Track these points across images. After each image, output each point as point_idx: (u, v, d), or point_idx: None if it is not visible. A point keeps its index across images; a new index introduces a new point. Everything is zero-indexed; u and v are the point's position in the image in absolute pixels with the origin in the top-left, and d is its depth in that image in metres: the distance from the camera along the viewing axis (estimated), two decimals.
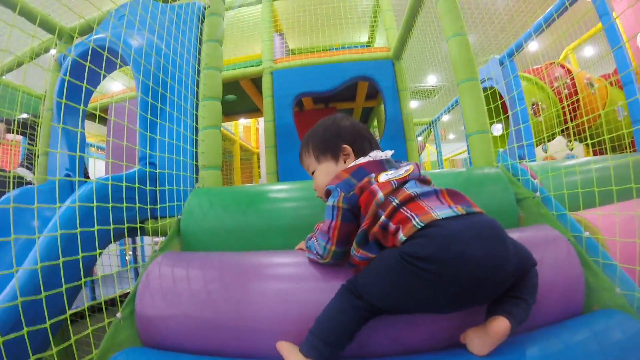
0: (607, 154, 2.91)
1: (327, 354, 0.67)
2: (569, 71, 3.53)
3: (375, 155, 0.91)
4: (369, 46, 3.24)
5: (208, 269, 0.89)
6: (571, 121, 3.30)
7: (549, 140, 3.79)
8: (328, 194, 0.85)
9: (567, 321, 0.81)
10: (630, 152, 2.25)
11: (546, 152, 6.27)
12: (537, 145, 3.45)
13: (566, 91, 3.41)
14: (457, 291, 0.62)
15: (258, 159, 5.37)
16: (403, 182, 0.79)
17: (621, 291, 0.86)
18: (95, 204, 1.03)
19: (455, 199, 0.74)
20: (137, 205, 1.22)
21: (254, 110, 3.79)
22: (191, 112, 1.53)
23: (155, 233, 1.35)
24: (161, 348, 0.83)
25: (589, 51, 5.85)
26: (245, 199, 1.19)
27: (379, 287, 0.67)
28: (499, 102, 1.99)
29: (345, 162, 0.94)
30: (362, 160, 0.90)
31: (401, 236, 0.67)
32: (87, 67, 1.05)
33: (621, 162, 1.39)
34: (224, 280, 0.85)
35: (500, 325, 0.65)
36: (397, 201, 0.73)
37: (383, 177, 0.81)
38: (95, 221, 1.01)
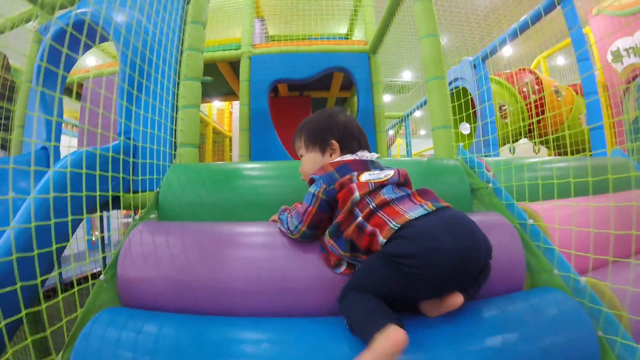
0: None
1: (378, 319, 0.68)
2: (538, 78, 3.73)
3: (362, 155, 0.99)
4: (348, 38, 3.32)
5: (186, 236, 0.96)
6: (537, 126, 3.51)
7: (514, 142, 4.01)
8: (312, 181, 0.93)
9: (509, 294, 0.93)
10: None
11: (513, 154, 6.58)
12: (502, 145, 3.65)
13: (534, 96, 3.61)
14: (437, 280, 0.71)
15: (230, 142, 5.37)
16: (381, 185, 0.87)
17: (559, 272, 0.98)
18: (84, 170, 1.07)
19: (426, 197, 0.85)
20: (121, 175, 1.27)
21: (229, 94, 3.81)
22: (172, 90, 1.57)
23: (129, 206, 1.40)
24: (140, 308, 0.89)
25: (560, 60, 6.16)
26: (222, 176, 1.26)
27: (370, 288, 0.74)
28: (469, 97, 2.12)
29: (331, 156, 1.01)
30: (349, 157, 0.97)
31: (381, 239, 0.75)
32: (67, 37, 1.08)
33: (563, 163, 1.54)
34: (201, 246, 0.92)
35: (457, 299, 0.75)
36: (374, 204, 0.81)
37: (365, 177, 0.89)
38: (67, 193, 1.05)
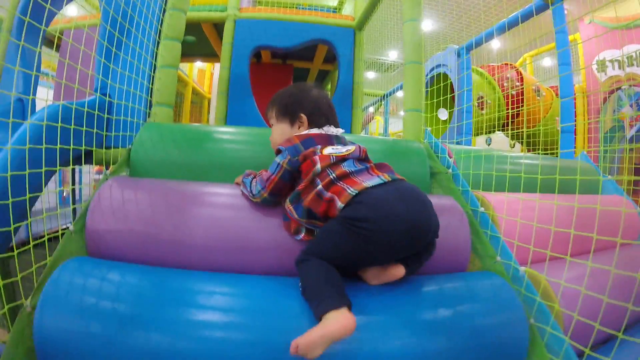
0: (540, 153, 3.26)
1: (331, 297, 0.73)
2: (520, 74, 3.82)
3: (328, 129, 1.04)
4: (336, 11, 3.29)
5: (154, 192, 1.01)
6: (512, 121, 3.62)
7: (487, 134, 4.13)
8: (278, 152, 0.99)
9: (451, 273, 1.02)
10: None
11: (488, 145, 6.77)
12: (477, 135, 3.76)
13: (513, 91, 3.71)
14: (387, 244, 0.79)
15: (209, 104, 5.31)
16: (342, 159, 0.93)
17: (501, 260, 1.07)
18: (59, 123, 1.08)
19: (383, 170, 0.92)
20: (95, 130, 1.28)
21: (211, 55, 3.74)
22: (152, 49, 1.57)
23: (102, 161, 1.42)
24: (106, 259, 0.94)
25: (547, 62, 6.28)
26: (194, 137, 1.30)
27: (326, 250, 0.81)
28: (449, 83, 2.18)
29: (299, 128, 1.06)
30: (315, 131, 1.03)
31: (339, 204, 0.81)
32: None
33: (523, 160, 1.64)
34: (168, 202, 0.98)
35: (399, 270, 0.83)
36: (334, 175, 0.87)
37: (327, 150, 0.95)
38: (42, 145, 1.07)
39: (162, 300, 0.78)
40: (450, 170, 1.30)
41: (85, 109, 1.25)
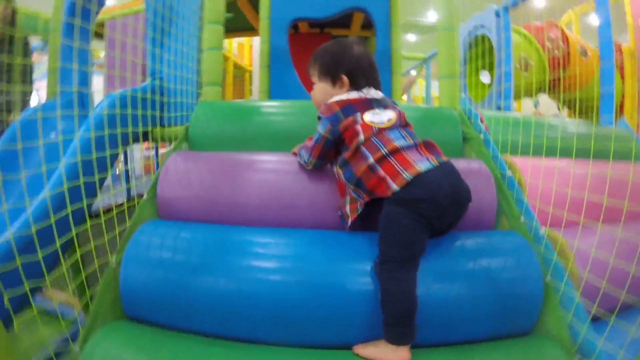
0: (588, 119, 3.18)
1: (411, 332, 0.85)
2: (565, 34, 3.67)
3: (367, 92, 1.09)
4: None
5: (212, 162, 1.20)
6: (556, 84, 3.51)
7: (531, 96, 4.03)
8: (319, 120, 1.08)
9: (477, 231, 1.14)
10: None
11: (536, 107, 6.52)
12: (517, 99, 3.68)
13: (557, 52, 3.58)
14: (441, 217, 0.94)
15: (250, 77, 5.48)
16: (386, 128, 1.00)
17: (524, 220, 1.17)
18: (129, 109, 1.28)
19: (430, 150, 1.01)
20: (158, 113, 1.49)
21: (249, 29, 3.87)
22: (197, 34, 1.74)
23: (161, 139, 1.63)
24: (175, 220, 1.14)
25: (594, 19, 5.88)
26: (243, 112, 1.49)
27: (401, 241, 0.90)
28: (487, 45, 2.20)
29: (340, 88, 1.11)
30: (354, 95, 1.08)
31: (394, 187, 0.90)
32: None
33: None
34: (225, 170, 1.17)
35: None
36: (385, 150, 0.95)
37: (368, 117, 1.02)
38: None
39: (225, 251, 0.97)
40: (481, 135, 1.39)
41: (148, 94, 1.45)
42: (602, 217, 1.05)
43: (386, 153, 0.95)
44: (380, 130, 0.99)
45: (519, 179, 1.28)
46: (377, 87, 1.13)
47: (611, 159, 1.14)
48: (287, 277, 0.92)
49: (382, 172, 0.93)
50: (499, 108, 3.14)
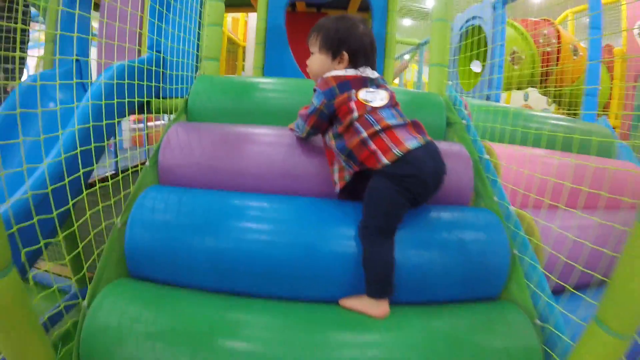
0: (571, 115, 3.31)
1: (389, 289, 0.98)
2: (558, 32, 3.77)
3: (363, 71, 1.14)
4: None
5: (212, 133, 1.29)
6: (545, 79, 3.63)
7: (520, 89, 4.15)
8: (315, 92, 1.14)
9: (453, 205, 1.25)
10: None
11: (526, 100, 6.68)
12: (508, 90, 3.81)
13: (549, 48, 3.69)
14: (425, 190, 1.05)
15: (244, 52, 5.49)
16: (379, 108, 1.08)
17: (497, 200, 1.29)
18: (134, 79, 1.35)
19: (417, 130, 1.11)
20: (154, 84, 1.55)
21: (245, 5, 3.89)
22: (198, 8, 1.79)
23: (159, 110, 1.70)
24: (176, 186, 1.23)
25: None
26: (241, 87, 1.57)
27: (382, 214, 1.01)
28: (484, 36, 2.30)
29: (339, 64, 1.16)
30: (351, 72, 1.13)
31: (385, 160, 1.00)
32: None
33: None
34: (224, 140, 1.26)
35: None
36: (378, 126, 1.03)
37: (362, 95, 1.09)
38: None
39: (225, 214, 1.07)
40: (464, 121, 1.50)
41: (147, 66, 1.51)
42: (564, 201, 1.17)
43: (379, 129, 1.04)
44: (374, 109, 1.07)
45: (495, 163, 1.39)
46: (373, 67, 1.19)
47: (575, 150, 1.26)
48: (280, 238, 1.03)
49: (373, 146, 1.02)
50: (488, 97, 3.26)
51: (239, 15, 5.56)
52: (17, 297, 0.76)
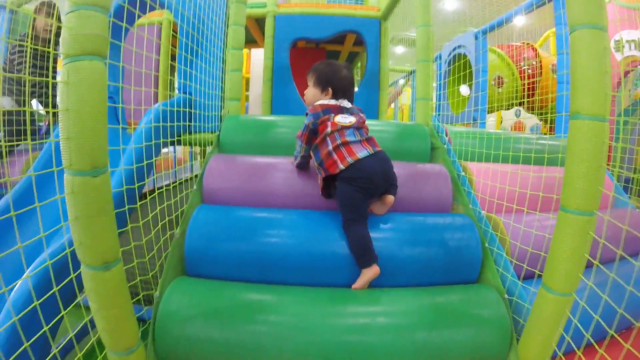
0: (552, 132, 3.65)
1: (373, 256, 1.34)
2: (537, 55, 4.20)
3: (341, 102, 1.56)
4: (363, 3, 3.77)
5: (245, 162, 1.68)
6: (529, 98, 4.03)
7: (507, 109, 4.56)
8: (306, 115, 1.55)
9: (434, 213, 1.61)
10: None
11: (518, 117, 7.15)
12: (490, 112, 4.21)
13: (530, 71, 4.10)
14: (375, 186, 1.43)
15: (247, 83, 5.91)
16: (346, 127, 1.47)
17: (471, 207, 1.65)
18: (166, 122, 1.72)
19: (370, 143, 1.48)
20: (188, 123, 1.92)
21: (250, 41, 4.32)
22: (220, 55, 2.18)
23: (188, 143, 2.06)
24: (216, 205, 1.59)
25: None
26: (261, 125, 1.98)
27: (352, 209, 1.40)
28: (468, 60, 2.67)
29: (325, 96, 1.58)
30: (332, 102, 1.55)
31: (341, 166, 1.40)
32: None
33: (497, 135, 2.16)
34: (255, 168, 1.65)
35: (389, 198, 1.48)
36: (339, 141, 1.43)
37: (338, 118, 1.49)
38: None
39: (262, 224, 1.44)
40: (445, 145, 1.87)
41: (181, 107, 1.88)
42: (526, 205, 1.53)
43: (339, 143, 1.44)
44: (342, 128, 1.47)
45: (469, 178, 1.76)
46: (349, 99, 1.61)
47: (545, 164, 1.62)
48: (304, 241, 1.40)
49: (335, 157, 1.43)
50: (474, 119, 3.66)
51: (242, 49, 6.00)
52: (122, 283, 1.05)
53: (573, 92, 1.04)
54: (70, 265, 1.06)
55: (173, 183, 1.77)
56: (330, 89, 1.59)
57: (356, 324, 1.22)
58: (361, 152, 1.43)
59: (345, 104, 1.58)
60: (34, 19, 2.58)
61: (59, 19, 2.43)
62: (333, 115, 1.51)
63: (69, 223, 0.95)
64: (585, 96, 1.02)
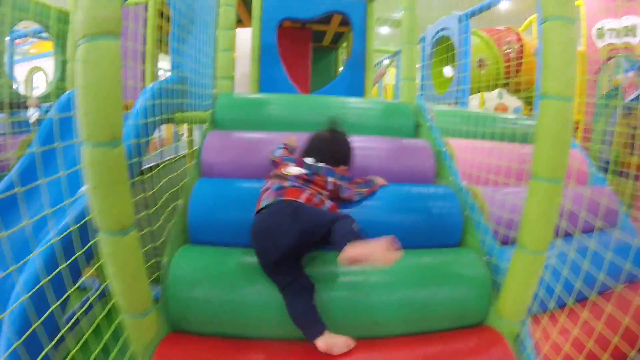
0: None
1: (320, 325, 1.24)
2: (520, 39, 4.37)
3: (306, 159, 1.55)
4: None
5: (240, 138, 1.81)
6: (509, 82, 4.20)
7: (489, 91, 4.75)
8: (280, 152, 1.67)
9: (419, 183, 1.76)
10: None
11: (501, 99, 7.35)
12: (474, 93, 4.38)
13: (513, 54, 4.27)
14: (258, 251, 1.31)
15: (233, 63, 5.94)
16: (290, 177, 1.45)
17: (452, 178, 1.80)
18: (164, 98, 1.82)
19: (293, 194, 1.36)
20: (183, 100, 2.02)
21: (237, 22, 4.36)
22: (212, 35, 2.27)
23: (181, 121, 2.16)
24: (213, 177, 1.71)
25: None
26: (253, 103, 2.11)
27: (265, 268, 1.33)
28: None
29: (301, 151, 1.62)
30: (302, 157, 1.58)
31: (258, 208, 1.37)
32: None
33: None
34: (249, 143, 1.78)
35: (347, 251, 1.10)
36: (267, 186, 1.42)
37: (289, 168, 1.50)
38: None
39: (256, 194, 1.53)
40: (428, 123, 2.01)
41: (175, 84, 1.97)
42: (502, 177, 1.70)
43: (266, 188, 1.43)
44: (284, 176, 1.46)
45: (451, 153, 1.91)
46: (323, 161, 1.55)
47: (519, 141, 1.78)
48: None
49: (263, 196, 1.40)
50: (457, 99, 3.83)
51: None
52: (137, 247, 1.16)
53: (543, 76, 1.19)
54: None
55: (162, 162, 1.87)
56: (304, 151, 1.63)
57: (350, 282, 1.37)
58: (265, 201, 1.37)
59: (309, 160, 1.57)
60: None
61: None
62: (292, 164, 1.54)
63: (87, 193, 1.06)
64: (553, 79, 1.16)
